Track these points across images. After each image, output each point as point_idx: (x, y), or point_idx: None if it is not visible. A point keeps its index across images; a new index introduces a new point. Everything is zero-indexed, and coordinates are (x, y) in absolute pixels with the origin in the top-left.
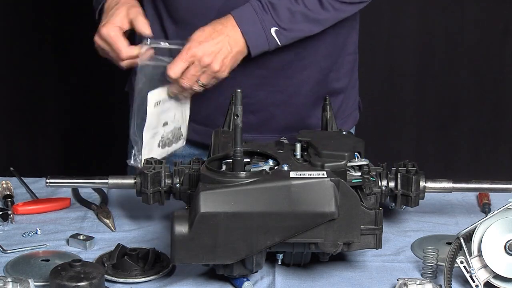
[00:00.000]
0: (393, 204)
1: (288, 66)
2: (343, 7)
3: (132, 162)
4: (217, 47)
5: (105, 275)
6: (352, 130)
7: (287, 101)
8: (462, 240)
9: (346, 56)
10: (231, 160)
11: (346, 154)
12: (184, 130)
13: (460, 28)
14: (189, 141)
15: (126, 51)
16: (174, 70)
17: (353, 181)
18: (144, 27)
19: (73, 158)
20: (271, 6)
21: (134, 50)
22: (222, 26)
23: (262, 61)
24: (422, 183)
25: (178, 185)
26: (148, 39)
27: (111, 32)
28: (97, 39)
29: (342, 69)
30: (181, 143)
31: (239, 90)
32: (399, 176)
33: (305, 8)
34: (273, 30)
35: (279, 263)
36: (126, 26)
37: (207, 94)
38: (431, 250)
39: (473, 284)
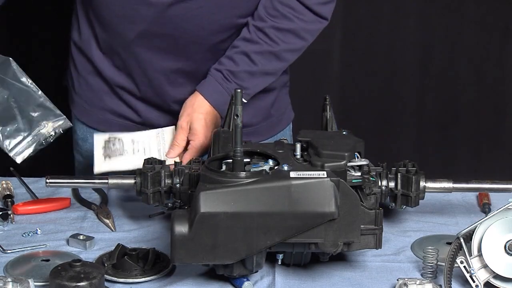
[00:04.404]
0: (393, 204)
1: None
2: (295, 54)
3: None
4: (213, 128)
5: (105, 275)
6: (289, 128)
7: None
8: (462, 240)
9: None
10: (231, 160)
11: (346, 154)
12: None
13: (460, 28)
14: None
15: None
16: (184, 161)
17: (353, 181)
18: None
19: (73, 158)
20: (231, 74)
21: None
22: (207, 109)
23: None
24: (422, 183)
25: (178, 185)
26: None
27: None
28: None
29: None
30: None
31: (239, 90)
32: (399, 176)
33: (262, 66)
34: None
35: (279, 263)
36: None
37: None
38: (431, 250)
39: (473, 284)
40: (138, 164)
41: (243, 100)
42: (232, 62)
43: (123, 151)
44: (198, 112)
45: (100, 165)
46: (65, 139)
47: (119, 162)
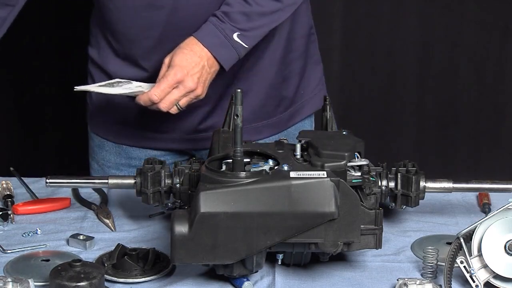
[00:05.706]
0: (393, 204)
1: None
2: None
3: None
4: (198, 70)
5: (105, 275)
6: (312, 117)
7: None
8: (462, 240)
9: (296, 41)
10: (231, 160)
11: (346, 154)
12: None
13: (460, 28)
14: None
15: None
16: (159, 94)
17: (353, 181)
18: None
19: (73, 158)
20: (225, 15)
21: None
22: (196, 48)
23: None
24: (422, 183)
25: (178, 185)
26: None
27: None
28: None
29: (292, 53)
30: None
31: (239, 90)
32: (399, 176)
33: (257, 7)
34: (235, 35)
35: (279, 263)
36: None
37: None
38: (431, 250)
39: (473, 284)
40: (117, 92)
41: (245, 45)
42: (226, 5)
43: (116, 86)
44: (181, 48)
45: (85, 86)
46: (65, 140)
47: (103, 89)
